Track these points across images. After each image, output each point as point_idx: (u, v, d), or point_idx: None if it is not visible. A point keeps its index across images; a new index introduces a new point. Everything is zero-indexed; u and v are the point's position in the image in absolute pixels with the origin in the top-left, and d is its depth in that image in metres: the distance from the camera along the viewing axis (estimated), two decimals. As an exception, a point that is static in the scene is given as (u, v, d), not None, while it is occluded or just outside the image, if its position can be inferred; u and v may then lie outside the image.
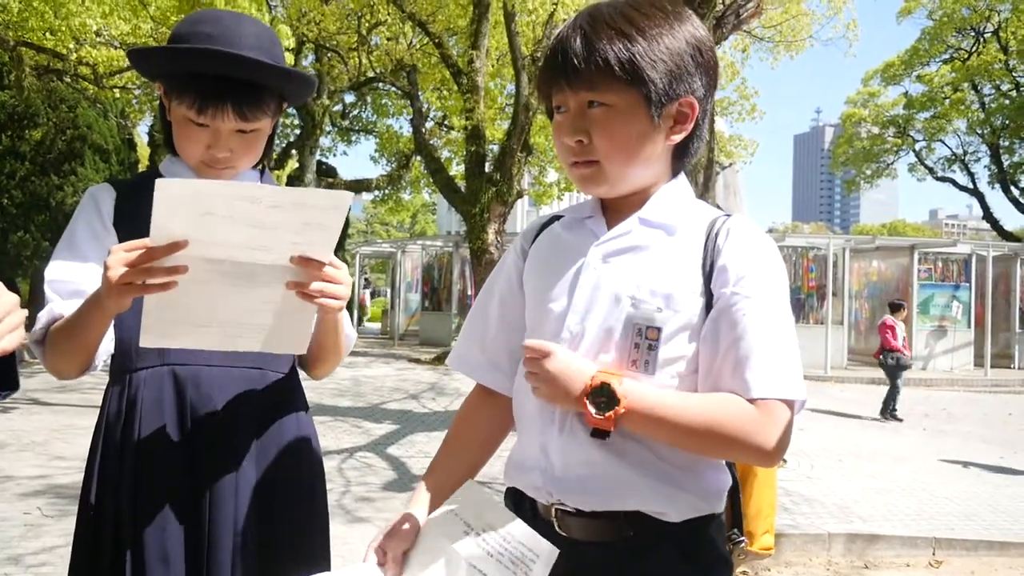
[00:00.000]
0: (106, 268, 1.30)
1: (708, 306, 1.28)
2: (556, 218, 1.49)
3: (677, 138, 1.34)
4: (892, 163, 30.30)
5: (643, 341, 1.27)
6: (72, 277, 1.52)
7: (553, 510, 1.30)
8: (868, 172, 30.65)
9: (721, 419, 1.21)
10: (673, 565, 1.27)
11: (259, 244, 1.31)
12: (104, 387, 1.60)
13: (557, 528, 1.30)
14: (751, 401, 1.21)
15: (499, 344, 1.48)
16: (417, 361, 15.36)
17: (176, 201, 1.25)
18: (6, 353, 1.09)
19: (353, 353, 2.06)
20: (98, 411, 1.60)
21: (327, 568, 1.65)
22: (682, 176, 1.41)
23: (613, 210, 1.39)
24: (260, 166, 1.73)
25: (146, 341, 1.37)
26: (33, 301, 18.32)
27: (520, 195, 15.54)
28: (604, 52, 1.25)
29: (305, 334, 1.46)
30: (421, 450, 7.07)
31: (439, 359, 14.86)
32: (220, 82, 1.49)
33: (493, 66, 17.40)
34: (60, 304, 1.50)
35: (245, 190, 1.28)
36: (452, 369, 1.58)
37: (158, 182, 1.24)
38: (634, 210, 1.36)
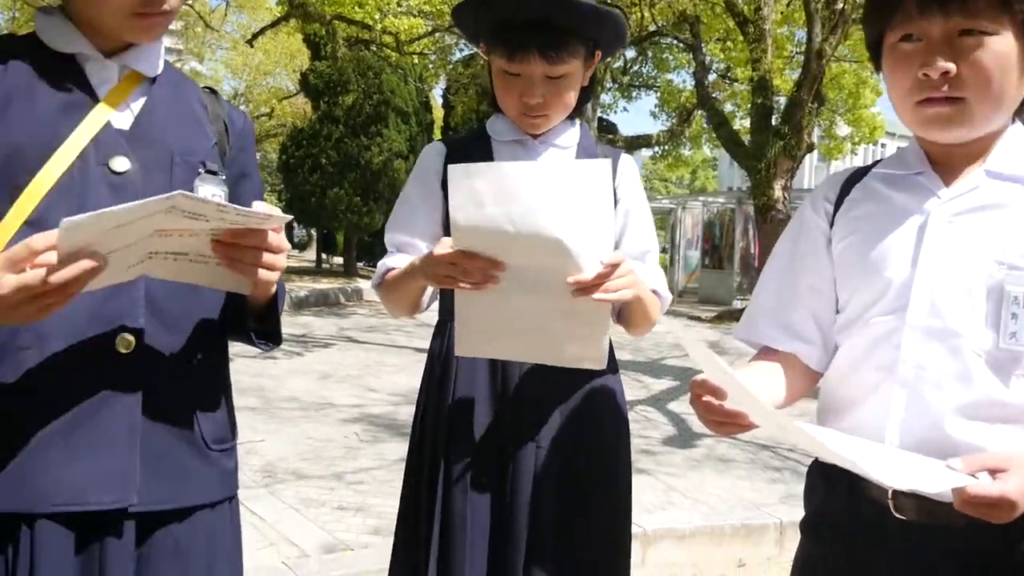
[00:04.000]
0: (432, 261, 1.45)
1: None
2: (863, 172, 1.34)
3: None
4: None
5: (1021, 311, 1.12)
6: (404, 232, 1.72)
7: (890, 491, 1.18)
8: None
9: None
10: None
11: (539, 247, 1.35)
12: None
13: (892, 509, 1.18)
14: None
15: (801, 312, 1.35)
16: (697, 319, 15.13)
17: (467, 189, 1.33)
18: (270, 281, 1.22)
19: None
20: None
21: (628, 525, 1.70)
22: (1019, 124, 1.24)
23: (942, 163, 1.24)
24: (576, 119, 1.76)
25: (460, 351, 1.52)
26: (347, 249, 20.36)
27: (810, 149, 14.63)
28: None
29: (601, 346, 1.49)
30: (700, 408, 6.93)
31: (719, 318, 14.54)
32: (526, 28, 1.56)
33: (782, 13, 16.43)
34: (392, 258, 1.70)
35: (523, 173, 1.34)
36: (741, 340, 1.46)
37: (449, 168, 1.33)
38: (970, 163, 1.21)
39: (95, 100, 1.23)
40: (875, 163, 1.35)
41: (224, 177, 1.32)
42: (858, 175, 1.35)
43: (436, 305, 1.78)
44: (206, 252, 1.15)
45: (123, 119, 1.25)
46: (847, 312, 1.29)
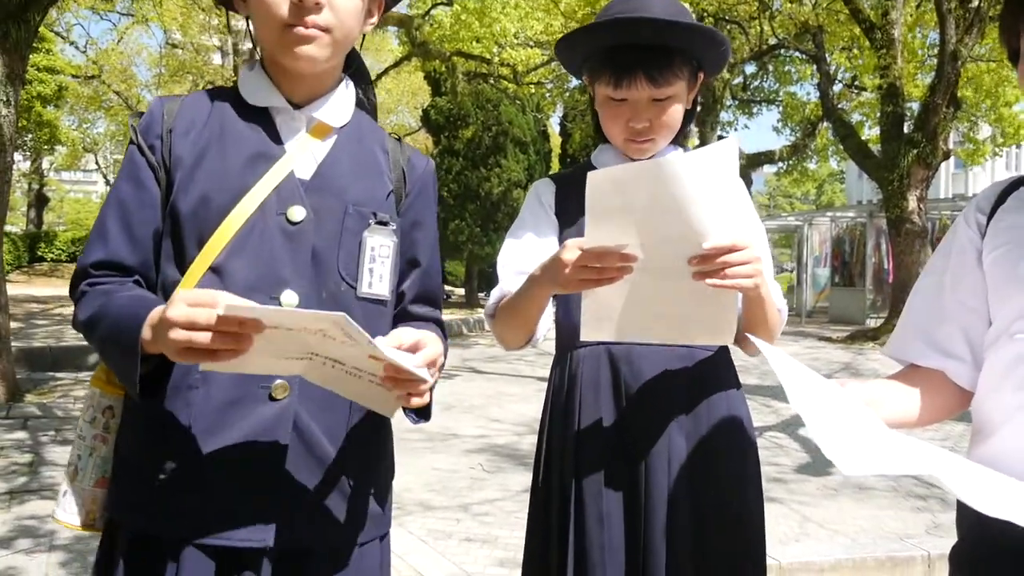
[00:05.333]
0: (562, 262, 1.39)
1: None
2: (1022, 180, 1.26)
3: None
4: None
5: None
6: (518, 259, 1.68)
7: None
8: None
9: None
10: None
11: (671, 234, 1.31)
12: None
13: None
14: None
15: (950, 328, 1.28)
16: (828, 340, 14.56)
17: (602, 194, 1.30)
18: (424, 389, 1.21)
19: (760, 330, 2.05)
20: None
21: (762, 556, 1.63)
22: None
23: None
24: (680, 143, 1.73)
25: (586, 335, 1.48)
26: (468, 280, 20.70)
27: (946, 156, 13.90)
28: None
29: (730, 322, 1.44)
30: (836, 433, 6.62)
31: (852, 338, 13.93)
32: (630, 52, 1.56)
33: (911, 15, 15.74)
34: (508, 282, 1.66)
35: (653, 171, 1.28)
36: (890, 357, 1.40)
37: (589, 176, 1.31)
38: None
39: (283, 151, 1.30)
40: None
41: (395, 227, 1.36)
42: (1016, 184, 1.27)
43: (551, 333, 1.77)
44: (362, 366, 1.16)
45: (306, 168, 1.31)
46: (994, 326, 1.21)
